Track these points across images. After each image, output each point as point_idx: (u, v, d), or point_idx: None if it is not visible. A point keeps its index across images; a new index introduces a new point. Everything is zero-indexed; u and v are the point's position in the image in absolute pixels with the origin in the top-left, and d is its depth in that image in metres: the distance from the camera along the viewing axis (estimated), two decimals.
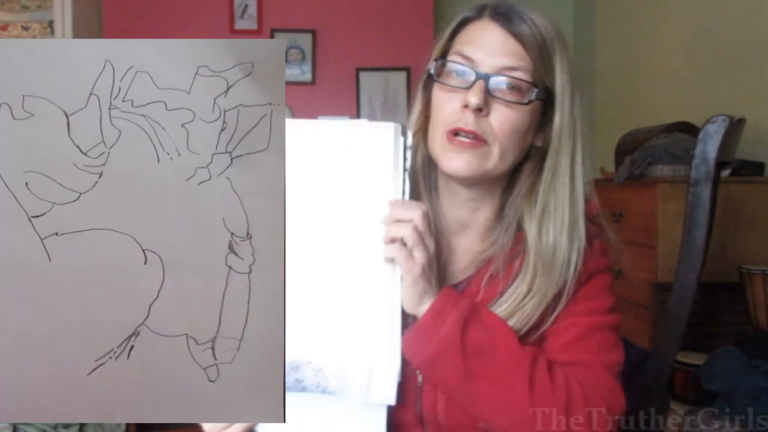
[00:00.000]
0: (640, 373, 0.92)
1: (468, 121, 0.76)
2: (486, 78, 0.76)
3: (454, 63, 0.79)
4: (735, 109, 1.64)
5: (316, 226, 0.77)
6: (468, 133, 0.77)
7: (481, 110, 0.76)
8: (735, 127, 1.83)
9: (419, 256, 0.73)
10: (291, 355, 0.73)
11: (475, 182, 0.81)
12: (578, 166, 0.81)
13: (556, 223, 0.80)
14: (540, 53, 0.77)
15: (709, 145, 0.93)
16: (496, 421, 0.74)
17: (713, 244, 0.94)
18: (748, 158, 1.96)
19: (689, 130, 2.02)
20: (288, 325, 0.73)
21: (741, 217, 1.82)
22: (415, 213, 0.74)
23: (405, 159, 0.78)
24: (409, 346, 0.74)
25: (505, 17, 0.78)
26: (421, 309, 0.75)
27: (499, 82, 0.77)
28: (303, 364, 0.74)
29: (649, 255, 1.82)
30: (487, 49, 0.77)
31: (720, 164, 0.93)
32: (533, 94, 0.77)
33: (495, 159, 0.78)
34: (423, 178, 0.86)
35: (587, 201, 0.83)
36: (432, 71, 0.81)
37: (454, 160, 0.78)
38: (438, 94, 0.81)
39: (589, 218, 0.82)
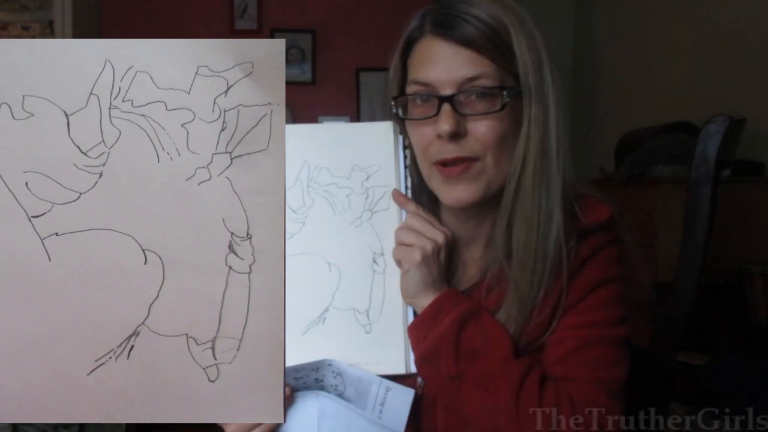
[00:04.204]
0: (640, 373, 0.92)
1: (449, 149, 0.72)
2: (450, 99, 0.70)
3: (413, 95, 0.74)
4: (735, 109, 1.64)
5: (324, 225, 0.78)
6: (455, 160, 0.72)
7: (458, 133, 0.71)
8: (735, 127, 1.83)
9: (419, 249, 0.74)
10: (311, 355, 0.74)
11: (481, 203, 0.76)
12: (552, 156, 0.72)
13: (526, 222, 0.72)
14: (497, 47, 0.70)
15: (709, 145, 0.93)
16: (483, 426, 0.73)
17: (713, 244, 0.94)
18: (748, 158, 1.96)
19: (689, 130, 2.02)
20: (308, 324, 0.77)
21: (741, 217, 1.82)
22: (438, 236, 0.75)
23: (405, 157, 0.79)
24: (409, 340, 0.75)
25: (446, 27, 0.70)
26: (418, 301, 0.75)
27: (465, 97, 0.71)
28: (323, 365, 0.75)
29: (649, 255, 1.82)
30: (442, 68, 0.71)
31: (720, 164, 0.93)
32: (505, 95, 0.70)
33: (491, 172, 0.73)
34: (427, 200, 0.81)
35: (595, 205, 0.77)
36: (394, 111, 0.76)
37: (453, 193, 0.74)
38: (411, 129, 0.77)
39: (601, 225, 0.76)
